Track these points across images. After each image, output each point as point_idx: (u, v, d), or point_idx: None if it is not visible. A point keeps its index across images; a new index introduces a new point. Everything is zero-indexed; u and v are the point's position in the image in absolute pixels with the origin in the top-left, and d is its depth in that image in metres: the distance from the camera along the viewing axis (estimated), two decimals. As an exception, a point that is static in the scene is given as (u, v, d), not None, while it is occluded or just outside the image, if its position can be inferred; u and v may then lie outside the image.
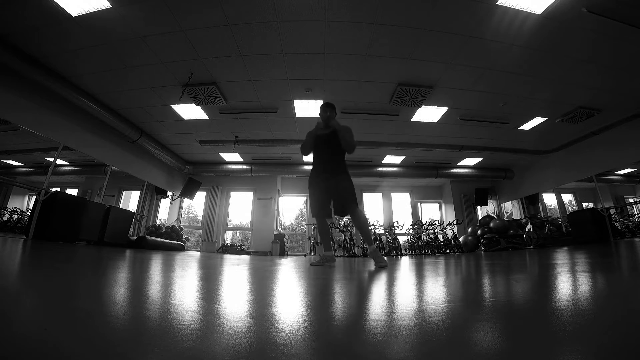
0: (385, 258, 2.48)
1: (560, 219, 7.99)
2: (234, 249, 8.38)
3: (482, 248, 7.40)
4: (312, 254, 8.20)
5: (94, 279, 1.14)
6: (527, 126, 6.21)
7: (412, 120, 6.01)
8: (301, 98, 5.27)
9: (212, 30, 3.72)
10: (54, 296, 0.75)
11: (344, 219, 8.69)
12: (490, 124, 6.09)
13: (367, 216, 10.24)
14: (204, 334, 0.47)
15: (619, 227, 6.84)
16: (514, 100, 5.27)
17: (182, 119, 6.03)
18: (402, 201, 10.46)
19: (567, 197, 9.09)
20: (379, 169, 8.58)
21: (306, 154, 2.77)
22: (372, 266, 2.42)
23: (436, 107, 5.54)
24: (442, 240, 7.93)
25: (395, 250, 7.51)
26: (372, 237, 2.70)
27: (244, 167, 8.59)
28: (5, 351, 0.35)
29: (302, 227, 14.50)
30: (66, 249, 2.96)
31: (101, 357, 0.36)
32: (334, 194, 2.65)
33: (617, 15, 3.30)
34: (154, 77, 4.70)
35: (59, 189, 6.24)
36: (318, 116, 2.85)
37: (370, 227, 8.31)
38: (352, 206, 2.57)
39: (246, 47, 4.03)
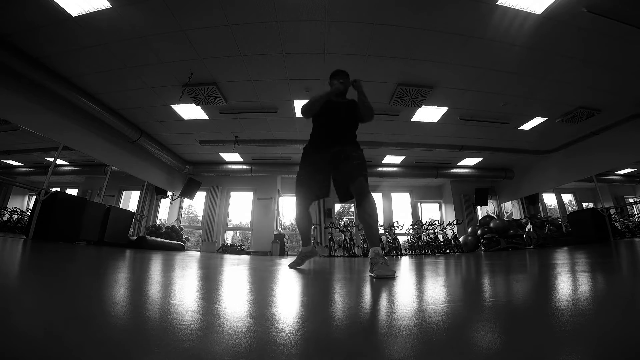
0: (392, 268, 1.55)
1: (560, 219, 7.99)
2: (234, 249, 8.37)
3: (482, 248, 7.40)
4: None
5: (94, 279, 1.14)
6: (527, 126, 6.21)
7: (412, 120, 6.02)
8: (301, 98, 5.27)
9: (212, 30, 3.72)
10: (54, 296, 0.75)
11: (344, 219, 8.69)
12: (490, 124, 6.09)
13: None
14: (204, 334, 0.47)
15: (619, 227, 6.83)
16: (514, 100, 5.27)
17: (182, 119, 6.03)
18: (402, 201, 10.46)
19: (567, 197, 9.09)
20: (379, 169, 8.58)
21: (308, 117, 2.16)
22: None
23: (436, 107, 5.54)
24: (442, 240, 7.94)
25: (395, 250, 7.52)
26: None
27: (244, 167, 8.59)
28: (7, 350, 0.35)
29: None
30: (66, 249, 2.96)
31: (101, 357, 0.36)
32: (337, 167, 1.96)
33: (617, 16, 3.31)
34: (154, 77, 4.71)
35: (59, 189, 6.23)
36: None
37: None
38: (360, 180, 1.84)
39: (246, 47, 4.03)
